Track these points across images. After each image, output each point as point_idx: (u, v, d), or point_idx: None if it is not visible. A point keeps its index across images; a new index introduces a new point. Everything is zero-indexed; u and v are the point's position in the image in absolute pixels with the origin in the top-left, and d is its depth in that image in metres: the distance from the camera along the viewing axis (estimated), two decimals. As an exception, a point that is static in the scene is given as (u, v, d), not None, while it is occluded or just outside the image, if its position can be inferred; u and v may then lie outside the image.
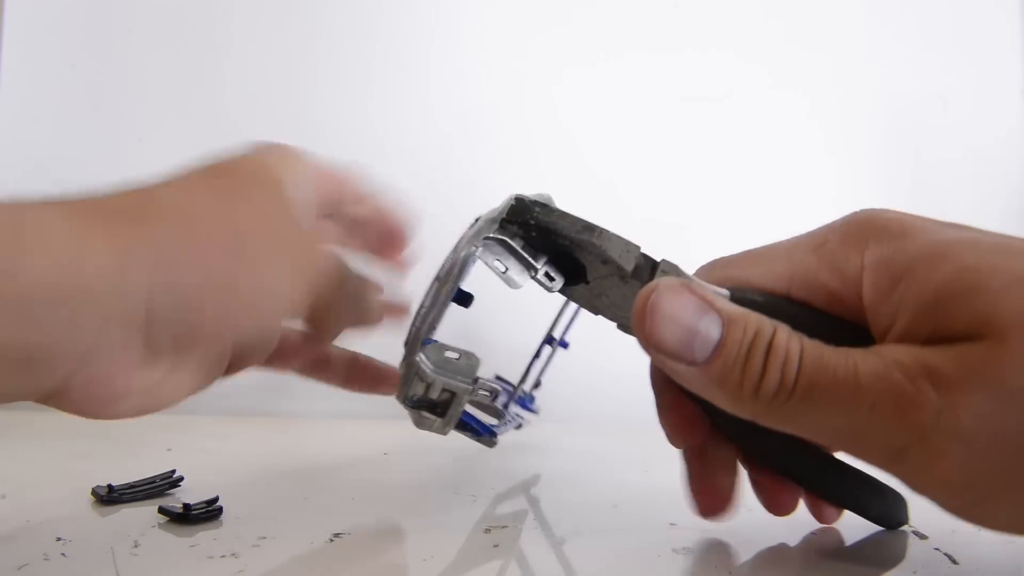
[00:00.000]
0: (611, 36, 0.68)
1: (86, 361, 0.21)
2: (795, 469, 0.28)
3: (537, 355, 0.39)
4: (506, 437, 0.35)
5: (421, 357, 0.26)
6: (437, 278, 0.30)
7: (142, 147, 0.62)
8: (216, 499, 0.31)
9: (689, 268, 0.27)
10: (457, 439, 0.33)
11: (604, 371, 0.56)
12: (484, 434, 0.31)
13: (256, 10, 0.64)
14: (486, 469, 0.41)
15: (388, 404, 0.58)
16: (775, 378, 0.21)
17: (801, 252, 0.25)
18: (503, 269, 0.25)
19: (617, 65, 0.68)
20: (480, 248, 0.26)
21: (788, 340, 0.21)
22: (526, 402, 0.42)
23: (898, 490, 0.29)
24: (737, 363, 0.21)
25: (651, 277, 0.24)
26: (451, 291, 0.27)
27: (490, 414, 0.34)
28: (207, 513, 0.30)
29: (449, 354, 0.27)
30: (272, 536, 0.28)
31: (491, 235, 0.25)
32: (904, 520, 0.30)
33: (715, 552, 0.28)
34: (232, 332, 0.24)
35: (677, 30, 0.69)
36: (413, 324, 0.29)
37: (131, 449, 0.42)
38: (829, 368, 0.20)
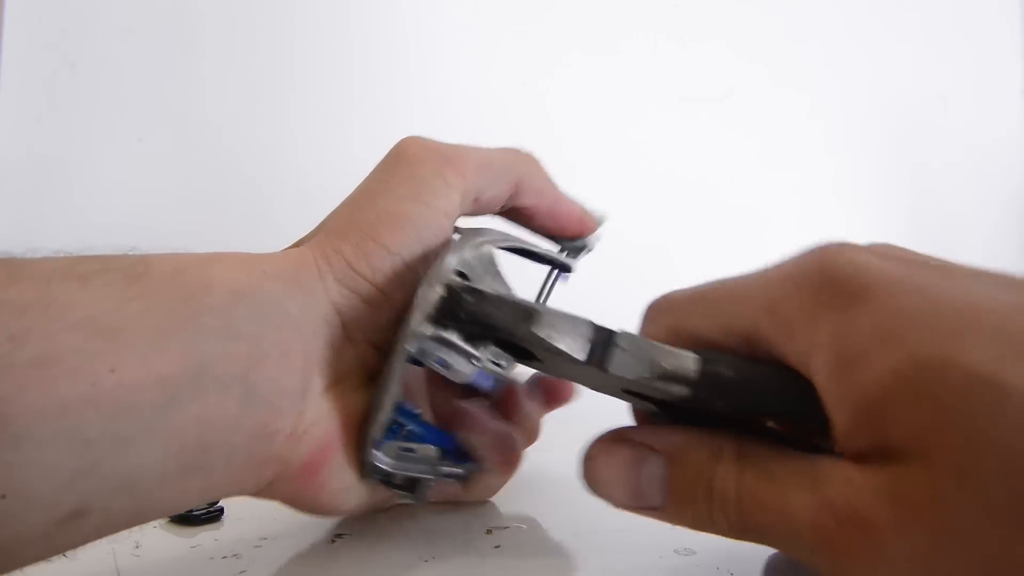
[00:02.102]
0: (610, 36, 0.68)
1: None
2: None
3: None
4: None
5: (378, 456, 0.25)
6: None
7: (142, 147, 0.62)
8: (217, 500, 0.31)
9: (687, 281, 0.25)
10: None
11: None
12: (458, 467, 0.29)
13: (257, 10, 0.64)
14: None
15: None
16: (721, 518, 0.20)
17: (755, 310, 0.21)
18: (445, 364, 0.24)
19: (616, 65, 0.68)
20: (415, 348, 0.24)
21: (725, 481, 0.20)
22: None
23: None
24: (689, 506, 0.21)
25: (605, 355, 0.21)
26: (394, 396, 0.25)
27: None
28: (208, 514, 0.30)
29: (405, 448, 0.26)
30: (273, 537, 0.28)
31: (424, 333, 0.23)
32: None
33: (716, 553, 0.28)
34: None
35: (677, 30, 0.69)
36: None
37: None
38: (765, 510, 0.19)
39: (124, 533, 0.27)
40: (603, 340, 0.21)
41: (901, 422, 0.17)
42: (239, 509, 0.31)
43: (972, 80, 0.72)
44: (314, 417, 0.24)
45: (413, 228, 0.26)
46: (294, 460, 0.24)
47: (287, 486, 0.24)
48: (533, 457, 0.45)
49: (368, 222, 0.26)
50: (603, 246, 0.35)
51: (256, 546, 0.27)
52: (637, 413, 0.27)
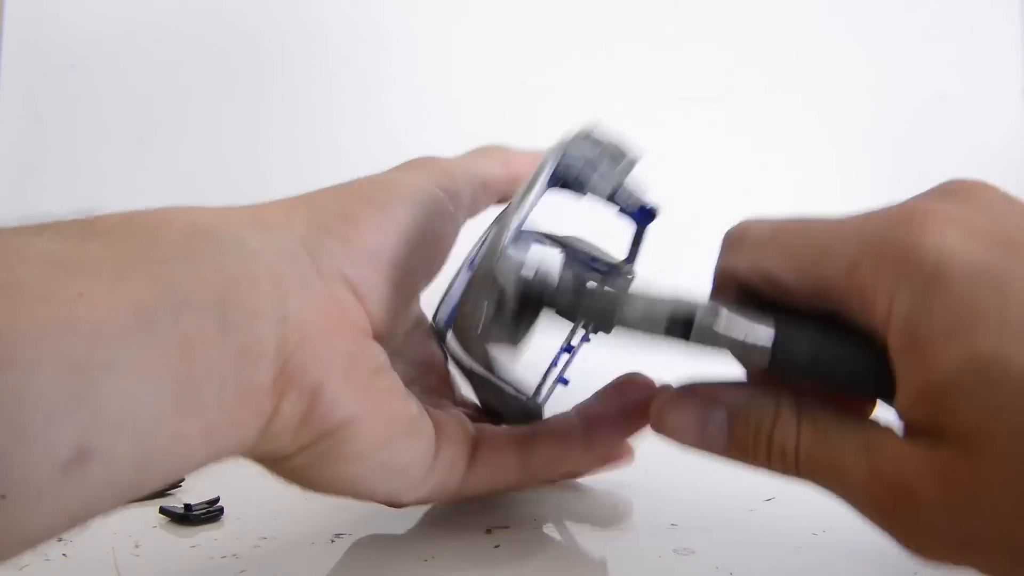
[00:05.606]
0: (609, 35, 0.68)
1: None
2: None
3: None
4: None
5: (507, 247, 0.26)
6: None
7: (142, 147, 0.62)
8: (217, 499, 0.31)
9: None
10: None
11: (605, 372, 0.56)
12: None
13: (254, 11, 0.64)
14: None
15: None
16: (780, 467, 0.23)
17: (834, 269, 0.22)
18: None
19: (616, 65, 0.68)
20: (562, 162, 0.29)
21: (784, 434, 0.22)
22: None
23: None
24: (748, 452, 0.23)
25: (686, 332, 0.23)
26: (538, 197, 0.27)
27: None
28: (208, 514, 0.30)
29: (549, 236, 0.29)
30: (273, 537, 0.28)
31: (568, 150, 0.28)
32: None
33: (716, 553, 0.28)
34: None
35: (676, 29, 0.69)
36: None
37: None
38: (820, 466, 0.22)
39: (124, 533, 0.27)
40: (685, 318, 0.23)
41: (958, 410, 0.19)
42: (239, 509, 0.31)
43: (972, 80, 0.72)
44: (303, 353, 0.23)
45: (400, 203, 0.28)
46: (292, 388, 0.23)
47: (294, 436, 0.23)
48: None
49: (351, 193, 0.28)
50: (604, 246, 0.35)
51: (255, 546, 0.27)
52: None
